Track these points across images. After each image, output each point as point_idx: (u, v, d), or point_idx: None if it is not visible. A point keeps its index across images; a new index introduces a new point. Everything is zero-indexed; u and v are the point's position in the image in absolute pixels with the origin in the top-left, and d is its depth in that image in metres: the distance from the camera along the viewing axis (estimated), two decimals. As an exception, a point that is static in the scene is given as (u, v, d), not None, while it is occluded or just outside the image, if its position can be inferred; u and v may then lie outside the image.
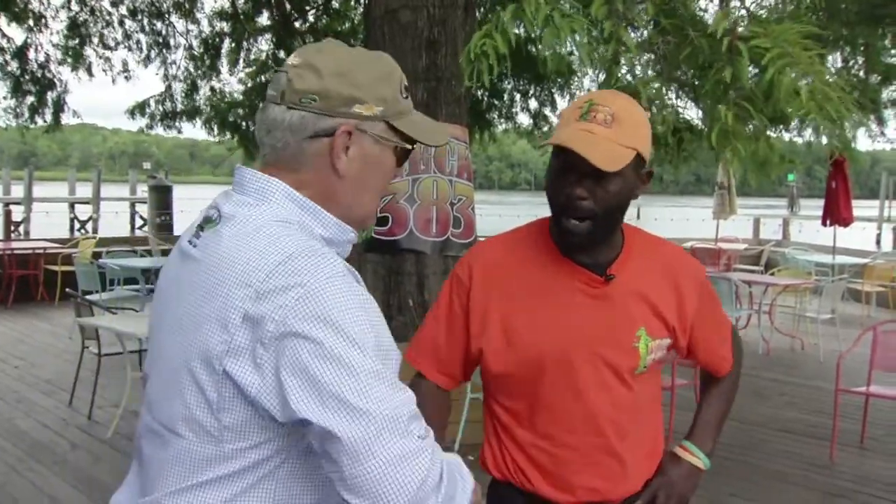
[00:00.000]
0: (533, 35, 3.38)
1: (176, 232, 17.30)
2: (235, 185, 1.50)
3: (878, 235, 24.83)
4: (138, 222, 31.98)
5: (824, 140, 10.81)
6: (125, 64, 11.91)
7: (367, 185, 1.51)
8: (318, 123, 1.45)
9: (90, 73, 11.36)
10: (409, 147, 1.53)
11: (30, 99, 10.66)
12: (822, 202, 12.43)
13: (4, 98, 10.59)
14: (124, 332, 6.19)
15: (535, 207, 17.42)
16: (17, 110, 10.63)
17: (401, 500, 1.29)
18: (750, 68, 3.96)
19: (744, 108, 4.08)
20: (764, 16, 3.64)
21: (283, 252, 1.35)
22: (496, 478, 1.96)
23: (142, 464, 1.50)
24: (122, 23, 11.54)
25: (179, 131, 12.95)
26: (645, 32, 5.43)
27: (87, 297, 8.06)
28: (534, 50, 10.03)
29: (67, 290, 8.28)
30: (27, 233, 23.96)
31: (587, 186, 1.74)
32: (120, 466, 5.69)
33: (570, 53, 3.50)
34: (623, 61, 3.56)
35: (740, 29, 3.58)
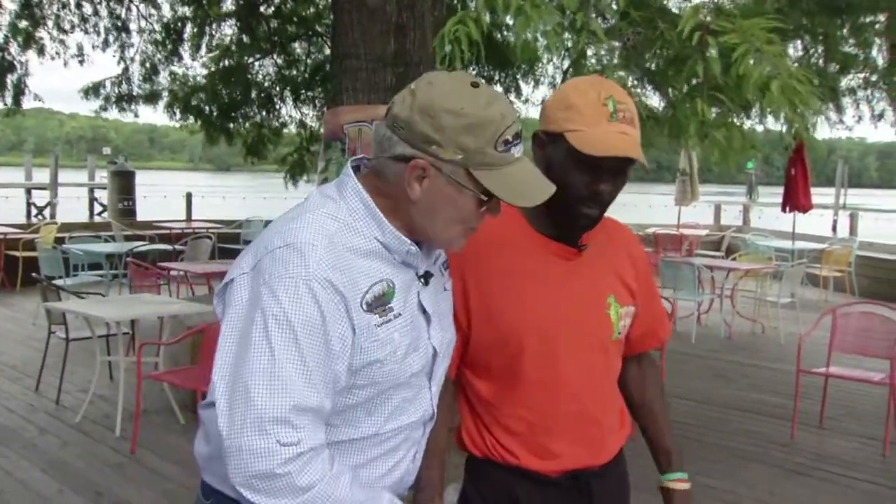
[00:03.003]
0: (503, 24, 3.44)
1: (139, 217, 17.14)
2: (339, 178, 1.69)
3: (835, 222, 25.29)
4: (97, 208, 31.58)
5: (784, 128, 11.07)
6: (80, 47, 11.71)
7: (436, 216, 1.60)
8: (399, 149, 1.56)
9: (41, 55, 11.16)
10: (486, 198, 1.58)
11: (-11, 82, 10.50)
12: (780, 189, 12.65)
13: (-38, 81, 10.42)
14: (94, 315, 6.15)
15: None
16: (-24, 93, 10.48)
17: (236, 480, 1.48)
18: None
19: (718, 98, 4.18)
20: (730, 9, 3.73)
21: (288, 240, 1.54)
22: (475, 455, 2.00)
23: None
24: (79, 5, 11.35)
25: (136, 115, 12.80)
26: (612, 20, 5.51)
27: (53, 282, 7.99)
28: (499, 36, 10.07)
29: (34, 274, 8.22)
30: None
31: (613, 181, 1.83)
32: (89, 450, 5.70)
33: (536, 40, 3.55)
34: (591, 51, 3.63)
35: (708, 18, 3.67)
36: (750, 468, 5.66)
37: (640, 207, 25.48)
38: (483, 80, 1.59)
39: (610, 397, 2.03)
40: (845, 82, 11.62)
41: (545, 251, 1.92)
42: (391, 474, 1.70)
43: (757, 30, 3.56)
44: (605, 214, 2.02)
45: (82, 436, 5.99)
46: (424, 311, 1.69)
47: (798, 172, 12.45)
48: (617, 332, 1.98)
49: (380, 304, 1.57)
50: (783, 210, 12.77)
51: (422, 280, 1.68)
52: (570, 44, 3.69)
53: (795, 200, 12.42)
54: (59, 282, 8.82)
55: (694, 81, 4.36)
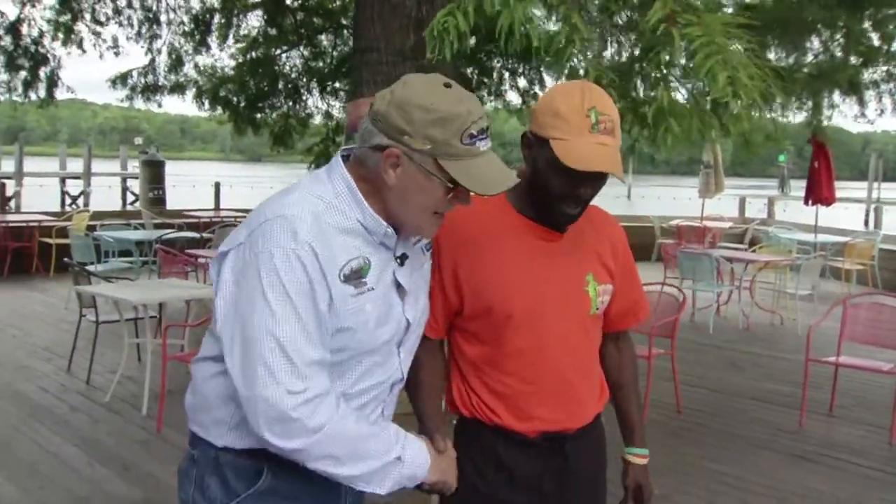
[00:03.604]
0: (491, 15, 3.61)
1: (168, 206, 17.46)
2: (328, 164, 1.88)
3: (867, 215, 25.15)
4: (129, 197, 32.06)
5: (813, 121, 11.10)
6: (115, 39, 11.97)
7: (408, 201, 1.79)
8: (377, 139, 1.76)
9: (81, 48, 11.45)
10: (452, 185, 1.76)
11: (23, 74, 10.76)
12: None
13: (-2, 73, 10.71)
14: (122, 299, 6.39)
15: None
16: (11, 85, 10.75)
17: (257, 427, 1.70)
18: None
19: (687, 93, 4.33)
20: (697, 3, 3.86)
21: (279, 213, 1.74)
22: (463, 415, 2.19)
23: None
24: (113, -1, 11.62)
25: (159, 105, 13.04)
26: (595, 14, 5.67)
27: (84, 267, 8.25)
28: (522, 29, 10.19)
29: (66, 259, 8.49)
30: (18, 207, 24.04)
31: (593, 185, 2.02)
32: (117, 427, 5.93)
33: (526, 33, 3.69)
34: (576, 44, 3.76)
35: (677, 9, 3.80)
36: (758, 454, 5.78)
37: (664, 200, 25.57)
38: (455, 83, 1.77)
39: (588, 367, 2.19)
40: (868, 75, 11.59)
41: (529, 233, 2.10)
42: None
43: (718, 24, 3.69)
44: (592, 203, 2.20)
45: (111, 414, 6.23)
46: (399, 287, 1.88)
47: (821, 165, 12.45)
48: (595, 307, 2.14)
49: (356, 277, 1.76)
50: (806, 203, 12.80)
51: (398, 261, 1.88)
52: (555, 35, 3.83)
53: (818, 193, 12.43)
54: (90, 268, 9.10)
55: (664, 70, 4.50)
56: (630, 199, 40.62)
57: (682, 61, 4.17)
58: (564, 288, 2.10)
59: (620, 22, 6.05)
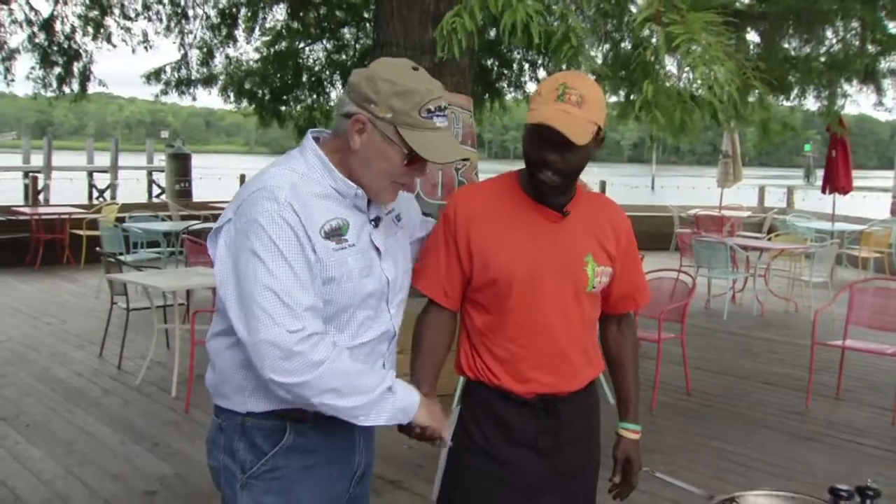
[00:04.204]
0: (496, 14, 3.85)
1: (194, 198, 17.78)
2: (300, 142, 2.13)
3: (893, 204, 24.98)
4: (156, 190, 32.53)
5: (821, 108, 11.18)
6: (145, 34, 12.28)
7: (370, 165, 2.02)
8: (347, 107, 2.01)
9: (111, 43, 11.77)
10: (408, 153, 2.00)
11: (57, 69, 11.11)
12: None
13: (33, 69, 11.04)
14: (152, 286, 6.68)
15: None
16: (46, 80, 11.09)
17: (265, 370, 1.90)
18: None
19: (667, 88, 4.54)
20: (680, 2, 4.05)
21: (260, 185, 1.98)
22: (469, 378, 2.43)
23: None
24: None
25: (194, 98, 13.32)
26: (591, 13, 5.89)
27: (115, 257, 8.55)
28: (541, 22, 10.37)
29: (97, 248, 8.80)
30: (47, 200, 24.51)
31: (559, 152, 2.21)
32: (148, 409, 6.22)
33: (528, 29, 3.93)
34: (573, 41, 3.98)
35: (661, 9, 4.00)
36: (763, 434, 5.98)
37: (683, 189, 25.60)
38: (422, 68, 2.04)
39: (581, 338, 2.40)
40: (885, 64, 11.63)
41: (535, 213, 2.33)
42: None
43: (700, 23, 3.89)
44: (602, 193, 2.43)
45: (142, 397, 6.52)
46: (376, 248, 2.12)
47: (839, 154, 12.53)
48: (591, 285, 2.36)
49: (336, 234, 2.00)
50: (823, 192, 12.90)
51: (372, 223, 2.11)
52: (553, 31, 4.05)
53: (836, 182, 12.53)
54: (119, 258, 9.40)
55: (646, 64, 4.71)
56: (653, 189, 40.63)
57: (668, 57, 4.39)
58: (564, 265, 2.32)
59: (613, 20, 6.27)
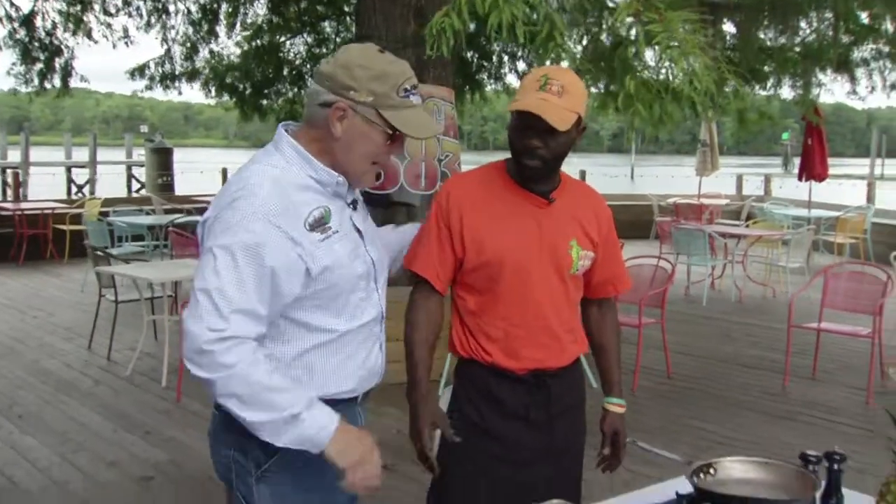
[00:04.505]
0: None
1: (177, 192, 17.82)
2: (273, 138, 2.15)
3: (871, 191, 25.34)
4: (135, 185, 32.40)
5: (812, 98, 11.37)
6: (126, 30, 12.29)
7: (353, 150, 2.07)
8: (324, 97, 2.05)
9: (91, 39, 11.79)
10: (392, 132, 2.08)
11: (38, 65, 11.12)
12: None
13: (14, 65, 11.04)
14: (141, 277, 6.77)
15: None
16: (27, 76, 11.10)
17: (184, 355, 1.95)
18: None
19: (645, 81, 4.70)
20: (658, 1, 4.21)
21: (241, 185, 2.02)
22: (462, 356, 2.56)
23: None
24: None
25: (180, 92, 13.37)
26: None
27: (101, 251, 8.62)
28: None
29: (85, 242, 8.86)
30: (25, 196, 24.44)
31: (541, 138, 2.35)
32: (139, 399, 6.32)
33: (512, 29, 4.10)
34: (556, 39, 4.13)
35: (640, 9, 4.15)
36: (742, 414, 6.15)
37: (662, 178, 25.86)
38: (387, 50, 2.11)
39: (567, 317, 2.54)
40: (859, 53, 11.83)
41: (523, 200, 2.46)
42: (367, 361, 2.21)
43: (678, 21, 4.04)
44: (585, 182, 2.59)
45: (133, 387, 6.62)
46: (358, 230, 2.19)
47: (815, 143, 12.72)
48: (575, 268, 2.50)
49: (320, 224, 2.04)
50: (800, 179, 13.08)
51: (351, 206, 2.18)
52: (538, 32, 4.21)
53: (812, 170, 12.73)
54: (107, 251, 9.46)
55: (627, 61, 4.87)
56: (633, 179, 40.89)
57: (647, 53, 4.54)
58: (550, 248, 2.46)
59: (593, 15, 6.43)
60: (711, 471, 2.16)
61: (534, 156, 2.36)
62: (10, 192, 22.48)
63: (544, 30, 4.12)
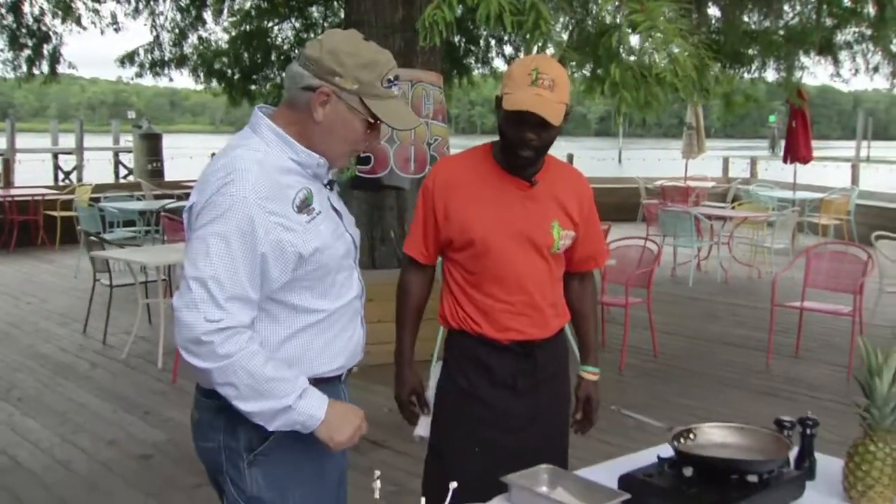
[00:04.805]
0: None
1: (167, 177, 17.85)
2: (249, 121, 2.14)
3: (855, 174, 25.57)
4: (122, 171, 32.33)
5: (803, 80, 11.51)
6: (114, 16, 12.32)
7: (333, 135, 2.09)
8: (309, 81, 2.05)
9: (80, 25, 11.83)
10: (373, 121, 2.12)
11: (26, 52, 11.16)
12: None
13: (1, 51, 11.09)
14: (136, 261, 6.88)
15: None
16: (15, 63, 11.14)
17: (178, 344, 1.96)
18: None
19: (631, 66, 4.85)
20: None
21: (229, 170, 1.99)
22: (452, 327, 2.70)
23: None
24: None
25: (170, 79, 13.44)
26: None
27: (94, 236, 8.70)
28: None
29: (79, 227, 8.93)
30: (10, 183, 24.40)
31: (535, 131, 2.48)
32: (136, 381, 6.43)
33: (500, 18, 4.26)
34: (542, 27, 4.25)
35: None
36: (727, 392, 6.31)
37: (649, 161, 26.02)
38: (370, 39, 2.15)
39: (549, 292, 2.69)
40: (842, 37, 11.95)
41: (507, 182, 2.60)
42: (352, 338, 2.27)
43: (659, 10, 4.17)
44: (568, 163, 2.72)
45: (129, 369, 6.73)
46: (336, 210, 2.21)
47: (799, 125, 12.89)
48: (556, 246, 2.64)
49: (305, 206, 2.06)
50: (784, 161, 13.27)
51: (328, 187, 2.19)
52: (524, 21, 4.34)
53: (797, 152, 12.91)
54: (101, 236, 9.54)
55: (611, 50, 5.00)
56: (620, 162, 41.04)
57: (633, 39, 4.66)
58: (533, 228, 2.60)
59: (579, 7, 6.55)
60: (691, 436, 2.30)
61: (528, 147, 2.49)
62: (-1, 179, 22.40)
63: (530, 19, 4.24)
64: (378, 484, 1.72)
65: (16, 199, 13.01)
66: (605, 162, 33.23)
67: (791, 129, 13.04)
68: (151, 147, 18.29)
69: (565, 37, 6.71)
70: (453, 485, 1.83)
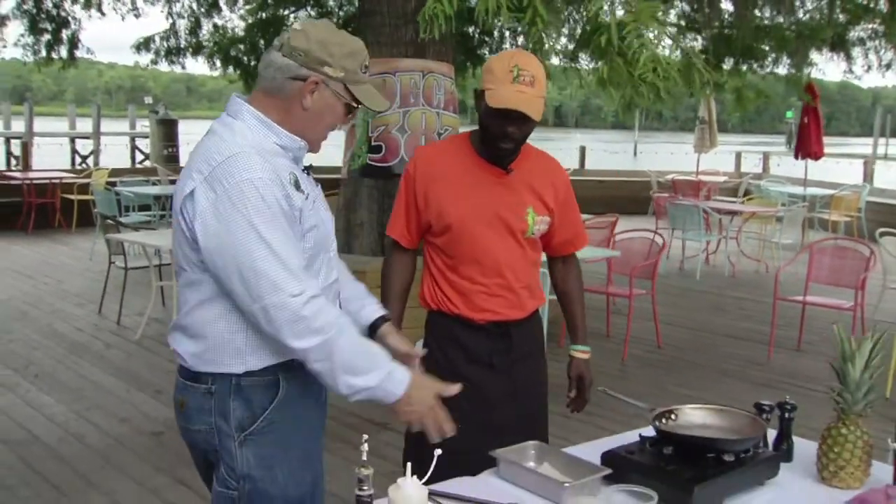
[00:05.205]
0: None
1: (182, 163, 18.01)
2: (226, 108, 2.20)
3: (871, 170, 25.49)
4: (139, 156, 32.55)
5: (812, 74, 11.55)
6: (133, 2, 12.48)
7: (320, 121, 2.17)
8: (298, 71, 2.11)
9: (100, 11, 11.99)
10: (356, 105, 2.23)
11: (46, 36, 11.32)
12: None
13: (22, 36, 11.26)
14: (150, 244, 7.03)
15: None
16: (35, 47, 11.32)
17: (280, 335, 1.98)
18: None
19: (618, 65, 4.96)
20: None
21: (225, 153, 2.03)
22: (432, 308, 2.85)
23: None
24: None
25: (183, 67, 13.58)
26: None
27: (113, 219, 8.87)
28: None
29: (96, 210, 9.09)
30: (28, 166, 24.64)
31: (516, 125, 2.62)
32: (149, 361, 6.59)
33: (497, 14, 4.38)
34: (539, 25, 4.36)
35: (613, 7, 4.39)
36: (725, 382, 6.42)
37: (661, 155, 26.03)
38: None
39: (524, 275, 2.82)
40: (855, 33, 11.97)
41: (483, 170, 2.74)
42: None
43: (648, 12, 4.28)
44: (545, 151, 2.86)
45: (143, 350, 6.89)
46: (314, 194, 2.24)
47: (811, 121, 12.92)
48: (531, 231, 2.77)
49: (297, 187, 2.11)
50: (796, 157, 13.30)
51: (306, 171, 2.23)
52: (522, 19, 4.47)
53: (808, 148, 12.93)
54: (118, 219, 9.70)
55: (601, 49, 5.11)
56: (636, 155, 41.01)
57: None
58: (508, 214, 2.73)
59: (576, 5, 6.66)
60: (672, 416, 2.43)
61: (509, 140, 2.63)
62: (14, 161, 22.64)
63: (527, 16, 4.36)
64: (366, 447, 1.85)
65: (34, 182, 13.21)
66: (619, 155, 33.16)
67: (803, 125, 13.05)
68: (167, 132, 18.48)
69: (566, 32, 6.82)
70: (437, 452, 1.92)
